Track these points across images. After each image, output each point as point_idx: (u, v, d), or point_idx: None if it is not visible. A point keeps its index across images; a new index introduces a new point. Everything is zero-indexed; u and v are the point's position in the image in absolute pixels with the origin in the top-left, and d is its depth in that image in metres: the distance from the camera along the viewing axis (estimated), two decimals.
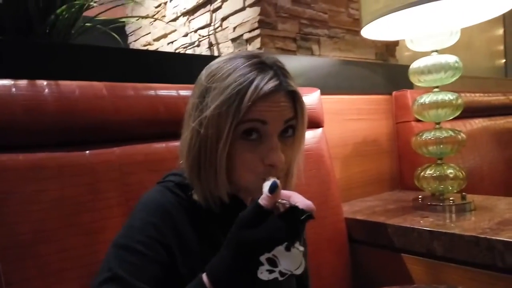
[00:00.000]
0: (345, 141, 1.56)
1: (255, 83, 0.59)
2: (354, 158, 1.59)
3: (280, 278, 0.50)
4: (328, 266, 1.18)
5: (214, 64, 0.65)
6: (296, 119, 0.64)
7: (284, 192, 0.53)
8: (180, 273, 0.59)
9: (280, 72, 0.62)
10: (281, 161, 0.61)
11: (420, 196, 1.33)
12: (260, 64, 0.61)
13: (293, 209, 0.50)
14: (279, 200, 0.52)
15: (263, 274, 0.49)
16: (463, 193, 1.28)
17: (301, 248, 0.50)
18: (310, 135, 1.26)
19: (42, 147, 0.79)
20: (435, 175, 1.29)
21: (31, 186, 0.75)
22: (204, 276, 0.52)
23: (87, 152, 0.83)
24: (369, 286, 0.88)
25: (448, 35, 1.27)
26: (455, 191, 1.29)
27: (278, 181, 0.52)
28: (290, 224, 0.50)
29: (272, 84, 0.59)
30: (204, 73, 0.66)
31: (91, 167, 0.82)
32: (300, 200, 0.51)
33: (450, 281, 1.02)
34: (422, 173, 1.33)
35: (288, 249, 0.49)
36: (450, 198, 1.26)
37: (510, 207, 1.23)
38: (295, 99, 0.63)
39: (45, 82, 0.81)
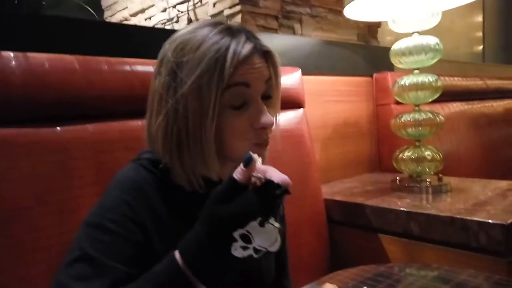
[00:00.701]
0: (325, 123, 1.55)
1: (232, 48, 0.57)
2: (334, 139, 1.59)
3: (255, 255, 0.48)
4: (307, 247, 1.18)
5: (178, 37, 0.62)
6: (272, 78, 0.63)
7: (260, 167, 0.50)
8: (155, 252, 0.57)
9: (250, 35, 0.62)
10: (271, 121, 0.60)
11: (398, 178, 1.35)
12: (229, 30, 0.60)
13: (268, 184, 0.48)
14: (254, 174, 0.49)
15: (237, 251, 0.48)
16: (440, 175, 1.30)
17: (276, 225, 0.49)
18: (291, 115, 1.25)
19: (10, 123, 0.75)
20: (413, 157, 1.30)
21: (0, 163, 0.71)
22: (176, 253, 0.50)
23: (58, 128, 0.79)
24: (347, 266, 0.89)
25: (430, 16, 1.27)
26: (432, 173, 1.31)
27: (253, 155, 0.50)
28: (265, 199, 0.48)
29: (248, 47, 0.59)
30: (168, 47, 0.62)
31: (62, 144, 0.79)
32: (275, 175, 0.48)
33: (426, 260, 1.04)
34: (400, 155, 1.34)
35: (262, 224, 0.47)
36: (427, 180, 1.28)
37: (485, 189, 1.26)
38: (268, 59, 0.63)
39: (12, 54, 0.76)
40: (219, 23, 0.62)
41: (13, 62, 0.76)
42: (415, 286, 0.76)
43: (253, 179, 0.50)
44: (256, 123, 0.60)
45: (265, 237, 0.48)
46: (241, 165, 0.49)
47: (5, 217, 0.70)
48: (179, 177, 0.62)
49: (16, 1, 1.03)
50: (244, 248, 0.48)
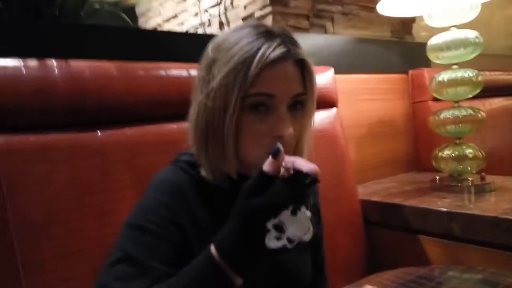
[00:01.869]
0: (359, 122, 1.52)
1: (261, 50, 0.57)
2: (369, 139, 1.55)
3: (289, 246, 0.48)
4: (343, 248, 1.16)
5: (221, 35, 0.64)
6: (306, 93, 0.62)
7: (288, 158, 0.50)
8: (194, 252, 0.58)
9: (288, 40, 0.60)
10: (289, 132, 0.59)
11: (437, 177, 1.30)
12: (267, 32, 0.59)
13: (297, 173, 0.49)
14: (283, 165, 0.50)
15: (271, 241, 0.48)
16: (483, 174, 1.24)
17: (308, 213, 0.49)
18: (324, 115, 1.23)
19: (52, 128, 0.78)
20: (453, 155, 1.26)
21: (42, 167, 0.74)
22: (212, 247, 0.51)
23: (98, 133, 0.82)
24: (385, 268, 0.86)
25: (468, 10, 1.22)
26: (474, 171, 1.26)
27: (280, 146, 0.50)
28: (295, 188, 0.48)
29: (279, 51, 0.57)
30: (211, 45, 0.64)
31: (102, 148, 0.81)
32: (304, 164, 0.49)
33: (469, 262, 1.00)
34: (440, 154, 1.29)
35: (294, 213, 0.48)
36: (469, 179, 1.22)
37: None
38: (304, 70, 0.61)
39: (54, 62, 0.80)
40: (261, 26, 0.61)
41: (56, 70, 0.79)
42: None
43: (282, 170, 0.50)
44: (273, 131, 0.59)
45: (297, 225, 0.48)
46: (270, 157, 0.49)
47: (47, 220, 0.73)
48: (205, 167, 0.63)
49: (56, 13, 1.08)
50: (278, 238, 0.48)
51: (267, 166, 0.50)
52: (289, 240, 0.48)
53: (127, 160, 0.83)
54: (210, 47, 0.63)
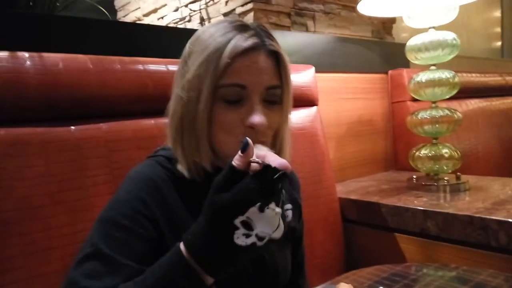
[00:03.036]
0: (339, 121, 1.53)
1: (233, 40, 0.58)
2: (349, 138, 1.57)
3: (259, 243, 0.47)
4: (321, 246, 1.17)
5: (199, 29, 0.65)
6: (281, 86, 0.62)
7: (259, 152, 0.49)
8: (169, 248, 0.57)
9: (262, 32, 0.61)
10: (262, 122, 0.58)
11: (414, 176, 1.32)
12: (241, 26, 0.60)
13: (266, 168, 0.47)
14: (252, 160, 0.48)
15: (240, 238, 0.47)
16: (458, 173, 1.27)
17: (278, 210, 0.48)
18: (304, 114, 1.23)
19: (25, 122, 0.76)
20: (430, 155, 1.28)
21: (14, 162, 0.72)
22: (181, 245, 0.50)
23: (72, 127, 0.80)
24: (362, 265, 0.87)
25: (446, 11, 1.24)
26: (450, 171, 1.28)
27: (249, 140, 0.49)
28: (263, 183, 0.47)
29: (251, 41, 0.58)
30: (189, 40, 0.65)
31: (76, 143, 0.79)
32: (273, 159, 0.47)
33: (443, 260, 1.02)
34: (417, 153, 1.31)
35: (262, 210, 0.46)
36: (445, 178, 1.25)
37: (504, 188, 1.23)
38: (279, 63, 0.61)
39: (26, 54, 0.77)
40: (236, 20, 0.62)
41: (28, 62, 0.76)
42: (432, 286, 0.75)
43: (252, 165, 0.48)
44: (246, 120, 0.58)
45: (266, 222, 0.47)
46: (239, 152, 0.48)
47: (18, 216, 0.71)
48: (181, 162, 0.63)
49: (30, 2, 1.04)
50: (247, 235, 0.47)
51: (235, 161, 0.48)
52: (259, 238, 0.47)
53: (102, 156, 0.81)
54: (188, 42, 0.64)
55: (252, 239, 0.47)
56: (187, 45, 0.64)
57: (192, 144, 0.61)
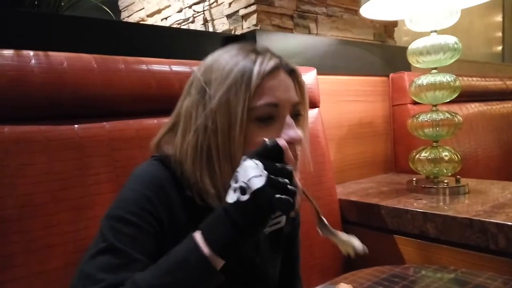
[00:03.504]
0: (340, 123, 1.54)
1: (258, 62, 0.59)
2: (349, 140, 1.57)
3: (243, 198, 0.50)
4: (321, 246, 1.17)
5: (207, 60, 0.65)
6: (302, 101, 0.64)
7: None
8: (168, 248, 0.58)
9: (274, 54, 0.63)
10: (299, 136, 0.60)
11: (414, 179, 1.33)
12: (255, 50, 0.62)
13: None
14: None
15: (229, 196, 0.52)
16: (458, 176, 1.27)
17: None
18: None
19: (28, 120, 0.76)
20: (430, 157, 1.28)
21: (17, 159, 0.73)
22: (197, 232, 0.52)
23: (76, 126, 0.80)
24: (362, 267, 0.88)
25: (448, 15, 1.25)
26: (449, 174, 1.29)
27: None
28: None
29: (274, 61, 0.61)
30: (197, 70, 0.65)
31: (79, 141, 0.80)
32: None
33: (442, 262, 1.02)
34: (417, 156, 1.32)
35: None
36: (445, 181, 1.25)
37: (504, 191, 1.23)
38: (297, 79, 0.64)
39: (31, 53, 0.78)
40: (246, 45, 0.64)
41: (33, 61, 0.77)
42: None
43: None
44: (283, 136, 0.59)
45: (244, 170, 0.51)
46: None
47: (20, 213, 0.71)
48: (211, 197, 0.60)
49: (35, 1, 1.05)
50: (234, 190, 0.52)
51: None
52: (242, 190, 0.50)
53: (105, 155, 0.82)
54: (198, 72, 0.64)
55: (237, 194, 0.51)
56: (198, 76, 0.63)
57: (226, 171, 0.59)
